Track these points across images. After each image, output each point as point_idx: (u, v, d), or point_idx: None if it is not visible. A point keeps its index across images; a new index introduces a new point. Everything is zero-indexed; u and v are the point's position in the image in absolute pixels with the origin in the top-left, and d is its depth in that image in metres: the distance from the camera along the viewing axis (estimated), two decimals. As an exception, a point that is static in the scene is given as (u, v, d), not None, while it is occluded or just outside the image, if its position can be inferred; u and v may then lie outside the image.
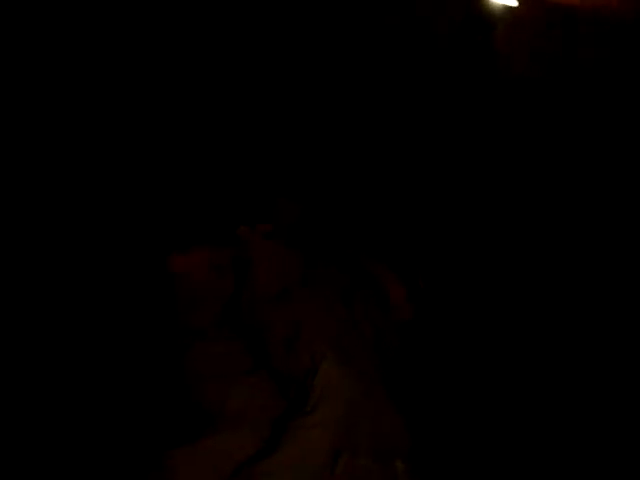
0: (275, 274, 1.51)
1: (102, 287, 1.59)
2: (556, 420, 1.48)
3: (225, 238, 1.60)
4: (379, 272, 1.61)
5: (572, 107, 1.73)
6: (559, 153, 1.73)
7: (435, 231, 1.79)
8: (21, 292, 1.54)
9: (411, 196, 1.82)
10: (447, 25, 1.81)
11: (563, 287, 1.64)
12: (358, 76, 1.84)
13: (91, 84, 1.75)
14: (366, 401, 1.29)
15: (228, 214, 1.68)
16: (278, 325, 1.41)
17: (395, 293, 1.57)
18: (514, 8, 1.73)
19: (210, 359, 1.42)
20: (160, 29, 1.79)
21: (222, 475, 1.22)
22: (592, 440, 1.44)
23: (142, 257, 1.62)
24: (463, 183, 1.79)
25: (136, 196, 1.72)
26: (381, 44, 1.82)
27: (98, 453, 1.36)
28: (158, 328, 1.51)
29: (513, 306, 1.65)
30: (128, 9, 1.77)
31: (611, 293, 1.61)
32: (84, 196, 1.69)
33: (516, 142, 1.75)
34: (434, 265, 1.71)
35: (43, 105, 1.71)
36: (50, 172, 1.68)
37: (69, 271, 1.60)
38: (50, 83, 1.72)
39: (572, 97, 1.73)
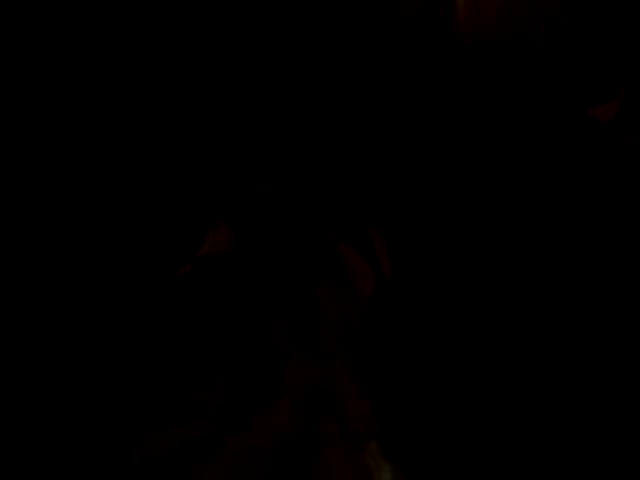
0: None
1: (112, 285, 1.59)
2: (528, 403, 1.44)
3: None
4: (347, 255, 1.60)
5: (541, 71, 1.76)
6: (527, 117, 1.74)
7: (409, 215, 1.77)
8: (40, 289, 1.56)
9: (386, 176, 1.81)
10: (412, 7, 1.85)
11: (547, 282, 1.58)
12: (324, 65, 1.85)
13: (91, 84, 1.75)
14: (330, 387, 1.31)
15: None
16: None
17: (363, 278, 1.56)
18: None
19: None
20: (160, 29, 1.80)
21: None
22: (578, 438, 1.41)
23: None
24: (435, 162, 1.79)
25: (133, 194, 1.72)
26: (344, 31, 1.84)
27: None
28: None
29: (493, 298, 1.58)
30: (128, 9, 1.78)
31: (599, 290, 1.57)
32: (86, 194, 1.68)
33: (486, 111, 1.76)
34: (405, 251, 1.67)
35: (43, 105, 1.71)
36: (50, 172, 1.68)
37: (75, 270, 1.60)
38: (50, 83, 1.70)
39: (541, 60, 1.76)
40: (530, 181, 1.68)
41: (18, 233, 1.58)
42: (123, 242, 1.61)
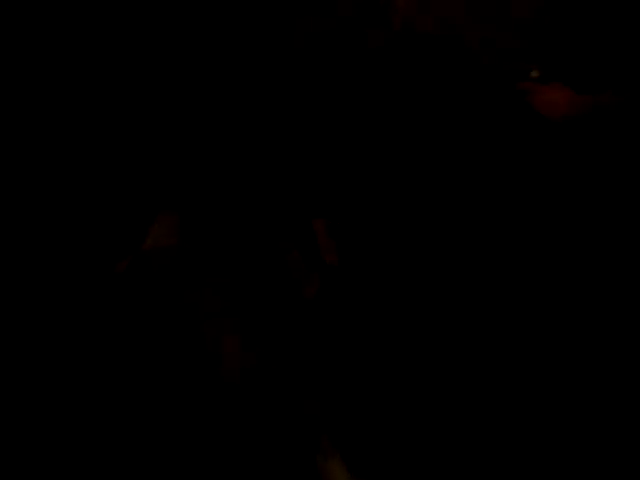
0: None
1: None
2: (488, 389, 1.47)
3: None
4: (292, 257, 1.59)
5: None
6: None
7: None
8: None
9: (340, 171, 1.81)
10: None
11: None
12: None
13: (91, 84, 1.69)
14: (269, 376, 1.33)
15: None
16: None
17: (308, 276, 1.56)
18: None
19: None
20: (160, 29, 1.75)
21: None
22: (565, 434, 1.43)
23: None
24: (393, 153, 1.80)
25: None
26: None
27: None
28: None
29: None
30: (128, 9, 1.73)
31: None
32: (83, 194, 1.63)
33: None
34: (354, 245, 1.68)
35: (43, 105, 1.65)
36: (49, 171, 1.62)
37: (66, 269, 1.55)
38: (50, 83, 1.67)
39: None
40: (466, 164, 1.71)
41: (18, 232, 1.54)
42: (62, 237, 1.57)
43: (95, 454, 1.28)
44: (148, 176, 1.67)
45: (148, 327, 1.40)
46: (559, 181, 1.65)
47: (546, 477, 1.38)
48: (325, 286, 1.57)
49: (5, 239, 1.54)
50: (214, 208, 1.63)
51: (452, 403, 1.45)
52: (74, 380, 1.36)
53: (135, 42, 1.78)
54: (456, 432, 1.42)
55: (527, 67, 1.76)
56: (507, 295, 1.56)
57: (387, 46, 1.81)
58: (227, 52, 1.83)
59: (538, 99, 1.66)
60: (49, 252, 1.54)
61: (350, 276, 1.61)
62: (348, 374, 1.48)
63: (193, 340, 1.39)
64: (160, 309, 1.42)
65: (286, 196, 1.71)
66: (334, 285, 1.58)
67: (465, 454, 1.41)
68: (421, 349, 1.51)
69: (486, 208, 1.67)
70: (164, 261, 1.47)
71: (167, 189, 1.65)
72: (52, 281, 1.50)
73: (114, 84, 1.73)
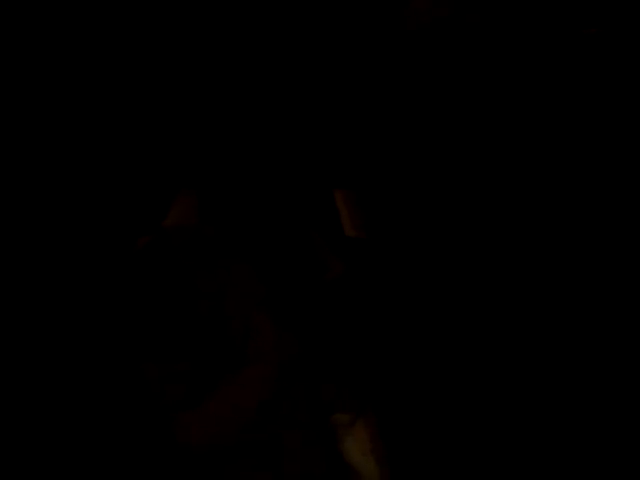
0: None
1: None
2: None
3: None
4: (315, 242, 1.55)
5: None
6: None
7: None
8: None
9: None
10: None
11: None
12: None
13: (91, 84, 1.74)
14: (299, 364, 1.30)
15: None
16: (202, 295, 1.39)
17: (332, 263, 1.51)
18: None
19: None
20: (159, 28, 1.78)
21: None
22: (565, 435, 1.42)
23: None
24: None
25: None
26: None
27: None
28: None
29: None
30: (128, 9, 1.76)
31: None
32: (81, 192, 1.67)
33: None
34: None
35: (42, 105, 1.70)
36: (49, 171, 1.67)
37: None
38: (50, 83, 1.71)
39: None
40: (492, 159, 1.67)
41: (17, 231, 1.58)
42: (81, 214, 1.59)
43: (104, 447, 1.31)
44: (168, 155, 1.68)
45: (167, 303, 1.41)
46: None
47: (546, 477, 1.36)
48: (351, 263, 1.54)
49: (26, 216, 1.58)
50: (234, 186, 1.62)
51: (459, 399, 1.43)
52: (89, 362, 1.39)
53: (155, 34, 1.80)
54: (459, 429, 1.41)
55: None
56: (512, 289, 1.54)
57: (401, 46, 1.77)
58: (250, 43, 1.83)
59: None
60: (70, 228, 1.57)
61: (379, 251, 1.59)
62: (371, 358, 1.47)
63: (212, 318, 1.39)
64: (179, 286, 1.43)
65: (305, 166, 1.69)
66: (361, 261, 1.56)
67: (468, 449, 1.40)
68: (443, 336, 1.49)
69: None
70: (183, 239, 1.48)
71: (187, 168, 1.66)
72: (72, 257, 1.54)
73: (136, 69, 1.75)
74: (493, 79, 1.69)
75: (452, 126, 1.67)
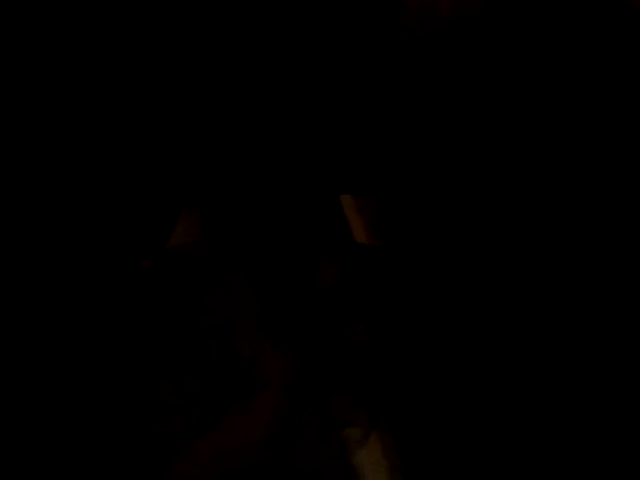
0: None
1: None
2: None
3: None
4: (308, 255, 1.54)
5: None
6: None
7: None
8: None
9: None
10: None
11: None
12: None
13: (91, 84, 1.72)
14: (308, 384, 1.29)
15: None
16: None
17: (327, 271, 1.51)
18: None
19: None
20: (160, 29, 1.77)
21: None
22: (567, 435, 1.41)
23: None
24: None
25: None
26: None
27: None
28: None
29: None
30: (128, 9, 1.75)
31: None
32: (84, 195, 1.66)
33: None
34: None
35: (43, 105, 1.69)
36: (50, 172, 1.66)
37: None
38: (50, 83, 1.70)
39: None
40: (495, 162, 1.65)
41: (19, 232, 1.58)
42: (84, 235, 1.59)
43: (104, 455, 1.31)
44: (170, 173, 1.67)
45: (171, 325, 1.41)
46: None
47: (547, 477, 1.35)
48: (353, 269, 1.53)
49: (28, 236, 1.57)
50: (237, 202, 1.61)
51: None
52: (91, 381, 1.39)
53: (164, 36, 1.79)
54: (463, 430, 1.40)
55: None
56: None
57: (400, 48, 1.75)
58: (252, 49, 1.81)
59: None
60: (71, 250, 1.56)
61: (387, 257, 1.57)
62: (379, 368, 1.46)
63: (218, 342, 1.38)
64: (184, 307, 1.42)
65: (309, 172, 1.67)
66: (367, 267, 1.54)
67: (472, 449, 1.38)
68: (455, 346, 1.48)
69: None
70: (188, 259, 1.48)
71: (189, 186, 1.65)
72: (74, 279, 1.53)
73: (134, 80, 1.74)
74: (496, 79, 1.67)
75: (459, 131, 1.66)
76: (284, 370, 1.29)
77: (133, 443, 1.28)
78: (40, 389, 1.39)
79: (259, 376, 1.27)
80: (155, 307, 1.43)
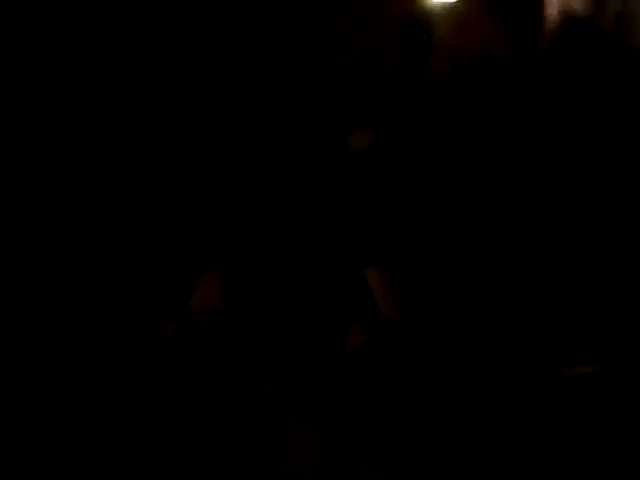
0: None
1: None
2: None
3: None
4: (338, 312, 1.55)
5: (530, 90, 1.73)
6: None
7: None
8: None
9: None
10: (391, 28, 1.81)
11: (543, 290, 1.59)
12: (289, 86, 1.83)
13: (91, 84, 1.72)
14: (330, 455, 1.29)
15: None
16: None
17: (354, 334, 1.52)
18: (453, 4, 1.73)
19: None
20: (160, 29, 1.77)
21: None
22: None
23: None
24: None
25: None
26: (323, 51, 1.82)
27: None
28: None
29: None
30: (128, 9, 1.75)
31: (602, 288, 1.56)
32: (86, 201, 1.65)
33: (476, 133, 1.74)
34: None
35: (43, 105, 1.70)
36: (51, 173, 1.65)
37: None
38: (50, 83, 1.70)
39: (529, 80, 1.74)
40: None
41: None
42: (103, 301, 1.56)
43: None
44: (191, 234, 1.66)
45: (198, 395, 1.38)
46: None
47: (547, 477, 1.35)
48: (379, 340, 1.52)
49: (54, 305, 1.56)
50: (258, 262, 1.60)
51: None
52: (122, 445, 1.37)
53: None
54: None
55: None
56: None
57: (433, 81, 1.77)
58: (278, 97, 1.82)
59: None
60: (89, 319, 1.55)
61: (413, 332, 1.56)
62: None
63: (245, 407, 1.36)
64: (209, 374, 1.40)
65: (334, 245, 1.67)
66: (392, 340, 1.53)
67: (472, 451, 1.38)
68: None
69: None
70: (211, 322, 1.46)
71: (210, 246, 1.64)
72: (93, 349, 1.51)
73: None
74: (528, 127, 1.69)
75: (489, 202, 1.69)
76: (313, 470, 1.26)
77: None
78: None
79: (284, 472, 1.24)
80: (179, 373, 1.40)
